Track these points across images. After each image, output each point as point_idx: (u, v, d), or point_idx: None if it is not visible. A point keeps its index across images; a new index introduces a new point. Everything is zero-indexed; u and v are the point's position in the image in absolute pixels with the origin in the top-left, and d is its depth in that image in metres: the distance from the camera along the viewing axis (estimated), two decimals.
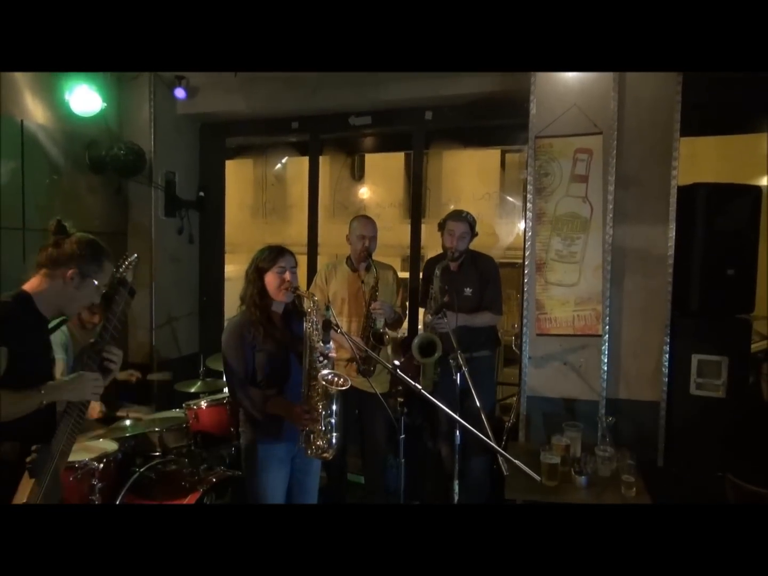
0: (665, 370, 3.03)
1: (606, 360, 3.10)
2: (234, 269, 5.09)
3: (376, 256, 3.36)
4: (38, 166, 3.61)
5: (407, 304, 3.66)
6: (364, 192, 6.92)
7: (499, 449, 1.81)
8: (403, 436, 2.09)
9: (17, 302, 1.73)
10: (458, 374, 2.57)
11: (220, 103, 4.09)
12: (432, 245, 3.96)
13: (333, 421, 2.20)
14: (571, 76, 3.09)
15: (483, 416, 2.25)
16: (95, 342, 1.81)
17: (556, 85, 3.11)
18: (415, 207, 4.23)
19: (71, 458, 2.57)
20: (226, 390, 3.42)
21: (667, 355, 3.03)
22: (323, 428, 2.20)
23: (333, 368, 2.38)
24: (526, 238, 3.25)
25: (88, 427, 3.05)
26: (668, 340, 3.02)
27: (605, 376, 3.10)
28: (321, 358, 2.22)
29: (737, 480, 2.58)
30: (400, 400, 2.10)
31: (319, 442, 2.21)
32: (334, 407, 2.20)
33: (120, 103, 4.07)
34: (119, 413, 3.31)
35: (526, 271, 3.20)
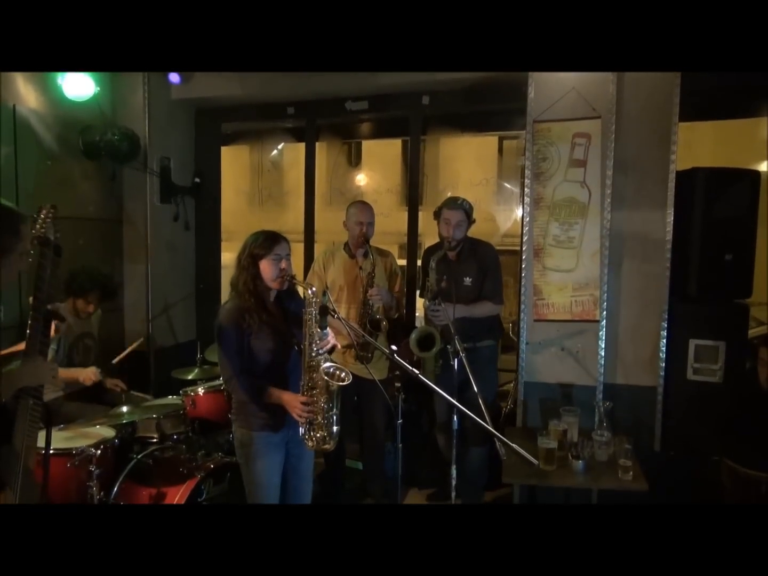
0: (662, 355, 3.04)
1: (603, 345, 3.10)
2: (230, 257, 5.07)
3: (373, 243, 3.35)
4: (31, 152, 3.57)
5: (405, 290, 3.65)
6: (361, 178, 6.90)
7: (497, 433, 1.80)
8: (400, 421, 2.09)
9: None
10: (456, 360, 2.57)
11: (215, 88, 4.04)
12: (430, 233, 3.95)
13: (334, 413, 2.19)
14: None
15: (481, 403, 2.26)
16: (30, 314, 1.69)
17: None
18: (413, 194, 4.21)
19: (68, 444, 2.60)
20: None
21: (664, 340, 3.03)
22: (324, 421, 2.18)
23: (333, 351, 2.38)
24: (524, 223, 3.23)
25: (86, 414, 3.05)
26: (666, 325, 3.02)
27: (602, 362, 3.10)
28: (320, 350, 2.20)
29: (733, 464, 2.59)
30: (398, 385, 2.09)
31: (320, 434, 2.20)
32: (335, 400, 2.18)
33: (114, 88, 4.02)
34: (116, 360, 3.32)
35: (523, 257, 3.19)
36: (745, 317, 3.02)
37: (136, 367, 3.65)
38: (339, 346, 2.29)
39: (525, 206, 3.20)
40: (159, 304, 4.28)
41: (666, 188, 2.97)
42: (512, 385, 3.92)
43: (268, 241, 2.27)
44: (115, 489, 2.70)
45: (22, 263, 1.70)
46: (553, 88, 3.07)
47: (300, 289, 2.38)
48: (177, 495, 2.67)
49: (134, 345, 3.47)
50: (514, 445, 1.72)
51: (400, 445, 2.11)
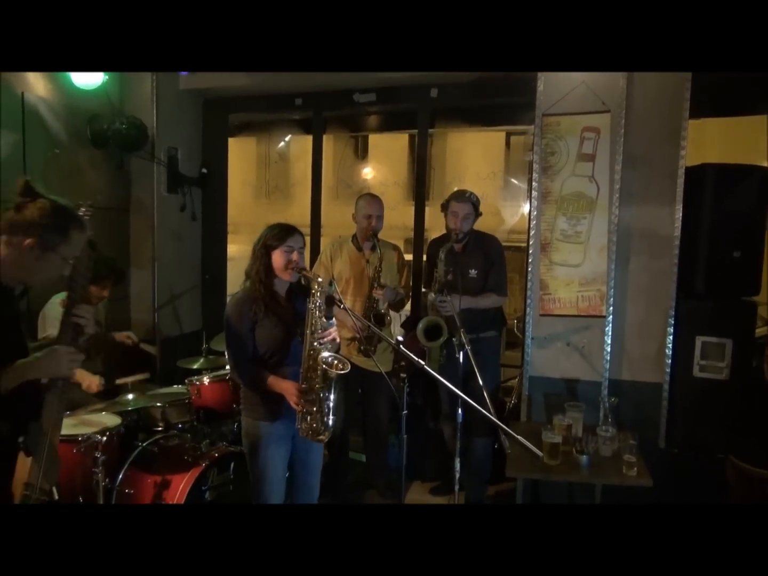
0: (669, 352, 3.02)
1: (609, 341, 3.09)
2: (236, 249, 5.07)
3: (380, 236, 3.34)
4: (39, 140, 3.57)
5: (410, 284, 3.65)
6: (368, 172, 6.88)
7: (501, 424, 1.80)
8: (405, 412, 2.09)
9: None
10: (461, 353, 2.57)
11: (223, 78, 4.02)
12: (436, 227, 3.94)
13: (331, 404, 2.20)
14: None
15: (486, 395, 2.26)
16: (65, 308, 1.66)
17: None
18: (419, 188, 4.20)
19: (74, 431, 2.61)
20: (228, 366, 3.43)
21: (670, 337, 3.02)
22: (320, 410, 2.19)
23: (339, 350, 2.39)
24: (531, 217, 3.22)
25: (88, 402, 3.06)
26: (672, 322, 3.01)
27: (608, 357, 3.09)
28: (322, 340, 2.21)
29: (739, 462, 2.59)
30: (403, 375, 2.09)
31: (315, 424, 2.21)
32: (332, 390, 2.19)
33: (122, 77, 4.01)
34: (119, 381, 3.32)
35: (530, 251, 3.18)
36: (752, 314, 3.00)
37: (141, 355, 3.65)
38: (338, 339, 2.28)
39: (532, 200, 3.19)
40: (165, 293, 4.29)
41: (675, 184, 2.95)
42: (516, 380, 3.92)
43: (282, 233, 2.32)
44: (120, 476, 2.72)
45: (63, 269, 1.65)
46: (563, 82, 3.05)
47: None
48: (181, 483, 2.68)
49: (140, 376, 3.44)
50: (518, 436, 1.72)
51: (405, 436, 2.11)
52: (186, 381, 3.18)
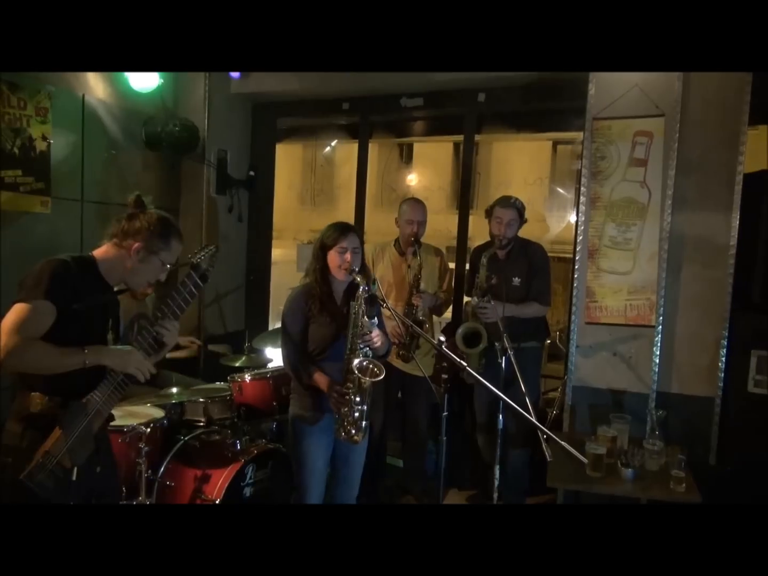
0: (722, 365, 2.90)
1: (658, 352, 2.99)
2: (280, 253, 5.14)
3: (423, 241, 3.33)
4: (97, 141, 3.70)
5: (453, 288, 3.61)
6: (413, 177, 6.89)
7: (544, 428, 1.75)
8: (446, 413, 2.06)
9: (78, 262, 1.75)
10: (503, 358, 2.53)
11: (273, 83, 4.10)
12: (479, 236, 3.90)
13: (365, 407, 2.23)
14: None
15: (528, 402, 2.21)
16: (153, 317, 1.84)
17: None
18: (464, 194, 4.16)
19: (120, 422, 2.67)
20: (269, 365, 3.46)
21: (724, 350, 2.90)
22: (354, 413, 2.22)
23: (388, 353, 2.43)
24: (579, 223, 3.14)
25: (136, 393, 3.13)
26: (726, 334, 2.89)
27: (656, 369, 2.99)
28: (364, 343, 2.24)
29: None
30: (445, 377, 2.07)
31: (348, 428, 2.25)
32: (366, 394, 2.22)
33: (176, 80, 4.13)
34: (171, 355, 3.38)
35: (577, 257, 3.11)
36: None
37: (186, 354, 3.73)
38: (379, 342, 2.28)
39: (581, 206, 3.12)
40: (211, 293, 4.37)
41: (732, 191, 2.84)
42: (559, 390, 3.84)
43: (336, 233, 2.37)
44: (162, 468, 2.77)
45: (161, 271, 1.85)
46: (615, 85, 2.98)
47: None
48: (221, 478, 2.72)
49: (187, 349, 3.57)
50: (562, 442, 1.68)
51: (445, 438, 2.08)
52: (228, 378, 3.23)
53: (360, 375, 2.16)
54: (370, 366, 2.18)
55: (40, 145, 3.35)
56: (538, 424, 1.76)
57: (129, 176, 3.94)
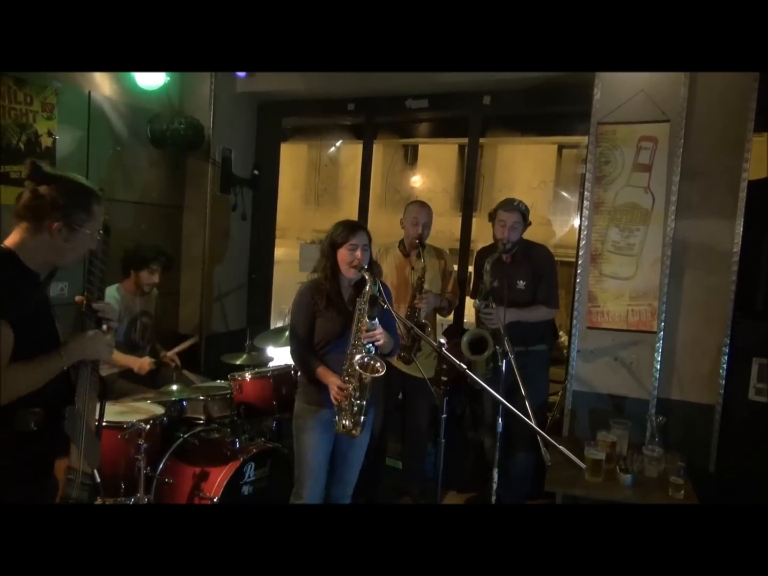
0: (723, 373, 2.90)
1: (659, 358, 2.98)
2: (283, 252, 5.14)
3: (427, 242, 3.32)
4: (103, 137, 3.71)
5: (458, 291, 3.60)
6: (417, 179, 6.88)
7: (542, 432, 1.75)
8: (445, 416, 2.06)
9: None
10: (504, 361, 2.52)
11: (279, 83, 4.11)
12: (482, 239, 3.89)
13: (364, 403, 2.26)
14: None
15: (528, 406, 2.21)
16: (87, 297, 1.67)
17: None
18: (468, 197, 4.16)
19: (120, 418, 2.68)
20: (270, 364, 3.47)
21: (725, 357, 2.89)
22: (353, 408, 2.25)
23: (392, 352, 2.44)
24: (582, 227, 3.14)
25: (137, 390, 3.15)
26: (728, 341, 2.88)
27: (657, 375, 2.98)
28: (364, 340, 2.25)
29: None
30: (445, 379, 2.07)
31: (345, 421, 2.28)
32: (366, 390, 2.25)
33: (182, 78, 4.14)
34: (170, 353, 3.44)
35: (579, 262, 3.11)
36: None
37: (188, 350, 3.73)
38: (382, 341, 2.29)
39: (584, 210, 3.11)
40: (213, 290, 4.38)
41: (736, 197, 2.84)
42: (559, 394, 3.83)
43: (345, 231, 2.39)
44: (161, 465, 2.77)
45: (92, 243, 1.66)
46: (621, 90, 2.98)
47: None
48: (219, 476, 2.72)
49: (188, 342, 3.59)
50: (561, 447, 1.67)
51: (443, 440, 2.08)
52: (228, 376, 3.23)
53: (361, 370, 2.18)
54: (371, 362, 2.20)
55: (46, 141, 3.36)
56: (536, 428, 1.75)
57: (134, 173, 3.96)
